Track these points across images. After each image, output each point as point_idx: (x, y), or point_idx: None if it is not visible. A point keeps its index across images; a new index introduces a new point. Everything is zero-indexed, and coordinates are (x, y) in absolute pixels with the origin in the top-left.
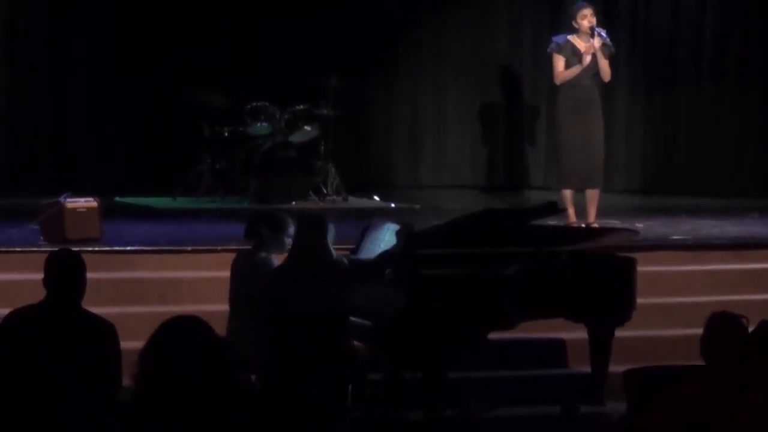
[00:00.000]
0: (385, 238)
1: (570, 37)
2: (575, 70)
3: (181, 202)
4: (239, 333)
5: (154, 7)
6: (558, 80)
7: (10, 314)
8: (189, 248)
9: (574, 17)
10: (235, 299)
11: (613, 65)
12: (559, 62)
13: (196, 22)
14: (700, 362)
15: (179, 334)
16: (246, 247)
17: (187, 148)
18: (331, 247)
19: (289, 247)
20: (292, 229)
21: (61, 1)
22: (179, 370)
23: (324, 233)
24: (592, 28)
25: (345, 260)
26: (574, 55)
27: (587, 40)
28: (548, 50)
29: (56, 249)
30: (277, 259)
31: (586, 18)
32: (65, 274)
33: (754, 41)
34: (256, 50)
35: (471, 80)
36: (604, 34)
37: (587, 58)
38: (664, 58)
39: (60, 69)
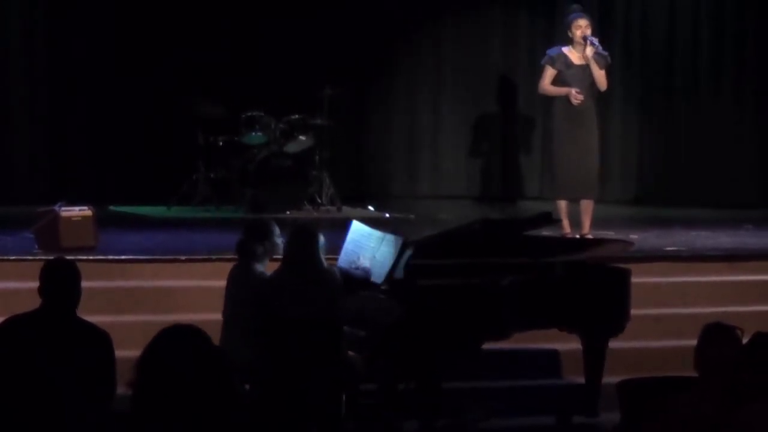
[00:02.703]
0: (373, 245)
1: (564, 49)
2: (561, 90)
3: (176, 211)
4: (233, 342)
5: (154, 7)
6: (540, 91)
7: (5, 322)
8: (183, 257)
9: (569, 27)
10: (229, 309)
11: (609, 75)
12: (548, 75)
13: (196, 23)
14: (694, 373)
15: (177, 343)
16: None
17: (182, 157)
18: (323, 257)
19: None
20: (277, 229)
21: (61, 1)
22: (177, 378)
23: (314, 243)
24: (584, 38)
25: (336, 270)
26: (567, 68)
27: (582, 51)
28: (541, 62)
29: (51, 257)
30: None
31: (581, 29)
32: (60, 283)
33: (750, 49)
34: (256, 51)
35: (467, 90)
36: (596, 42)
37: (576, 101)
38: (659, 68)
39: (60, 69)
